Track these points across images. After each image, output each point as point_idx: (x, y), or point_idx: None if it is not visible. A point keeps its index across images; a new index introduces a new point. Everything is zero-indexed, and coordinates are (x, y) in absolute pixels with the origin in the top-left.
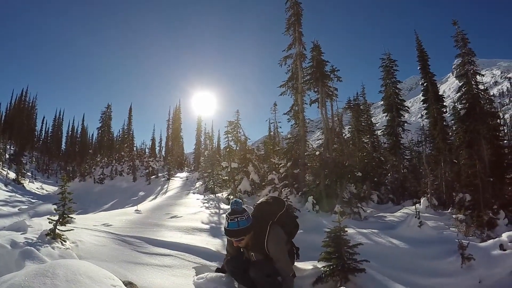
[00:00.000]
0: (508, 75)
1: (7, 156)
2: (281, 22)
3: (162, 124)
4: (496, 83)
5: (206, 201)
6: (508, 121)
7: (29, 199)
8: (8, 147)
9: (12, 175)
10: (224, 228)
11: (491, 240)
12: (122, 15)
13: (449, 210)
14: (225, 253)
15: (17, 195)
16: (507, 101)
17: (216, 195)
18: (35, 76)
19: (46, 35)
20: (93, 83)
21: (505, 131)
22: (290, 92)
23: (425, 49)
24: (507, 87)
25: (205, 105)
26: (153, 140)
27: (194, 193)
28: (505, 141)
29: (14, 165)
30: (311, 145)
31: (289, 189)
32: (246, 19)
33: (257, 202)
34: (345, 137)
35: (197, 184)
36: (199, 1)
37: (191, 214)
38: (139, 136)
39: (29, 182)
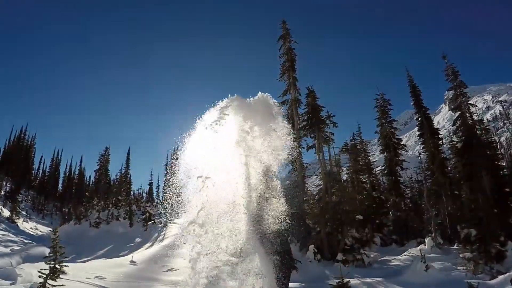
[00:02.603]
0: (499, 99)
1: (3, 193)
2: (276, 66)
3: (159, 168)
4: (488, 108)
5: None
6: (504, 144)
7: (22, 239)
8: (4, 183)
9: (6, 213)
10: None
11: (501, 276)
12: (121, 53)
13: (455, 246)
14: None
15: (10, 234)
16: (501, 124)
17: None
18: (35, 114)
19: (44, 71)
20: (92, 124)
21: (503, 152)
22: None
23: (417, 82)
24: (500, 110)
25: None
26: (150, 184)
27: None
28: (505, 170)
29: (9, 202)
30: (310, 191)
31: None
32: (241, 65)
33: None
34: (344, 178)
35: None
36: (194, 43)
37: (189, 267)
38: (137, 180)
39: (23, 221)
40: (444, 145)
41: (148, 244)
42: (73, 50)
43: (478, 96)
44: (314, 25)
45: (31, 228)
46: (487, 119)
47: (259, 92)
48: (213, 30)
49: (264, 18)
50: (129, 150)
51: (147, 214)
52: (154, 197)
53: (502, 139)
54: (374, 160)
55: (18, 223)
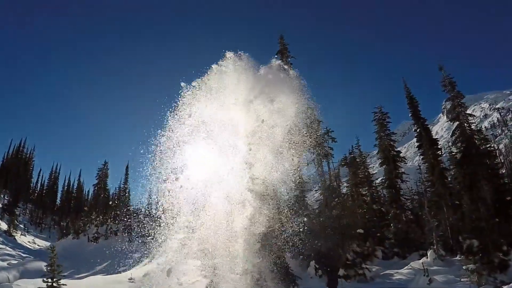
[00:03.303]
0: (496, 106)
1: (0, 206)
2: None
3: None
4: (486, 116)
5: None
6: (503, 151)
7: (20, 253)
8: (2, 196)
9: (4, 226)
10: None
11: (506, 286)
12: (121, 59)
13: (457, 257)
14: None
15: (7, 247)
16: (499, 131)
17: None
18: (34, 127)
19: (44, 85)
20: (91, 137)
21: (502, 160)
22: None
23: (414, 92)
24: (497, 118)
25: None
26: (149, 198)
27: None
28: (505, 179)
29: (7, 215)
30: (310, 206)
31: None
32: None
33: None
34: (343, 191)
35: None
36: (193, 46)
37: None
38: (136, 193)
39: (21, 235)
40: (443, 155)
41: (147, 260)
42: (72, 61)
43: (475, 105)
44: (311, 37)
45: (29, 242)
46: (485, 127)
47: (273, 59)
48: (211, 40)
49: (260, 33)
50: (127, 166)
51: (146, 229)
52: (153, 211)
53: (501, 146)
54: (374, 172)
55: (16, 237)
